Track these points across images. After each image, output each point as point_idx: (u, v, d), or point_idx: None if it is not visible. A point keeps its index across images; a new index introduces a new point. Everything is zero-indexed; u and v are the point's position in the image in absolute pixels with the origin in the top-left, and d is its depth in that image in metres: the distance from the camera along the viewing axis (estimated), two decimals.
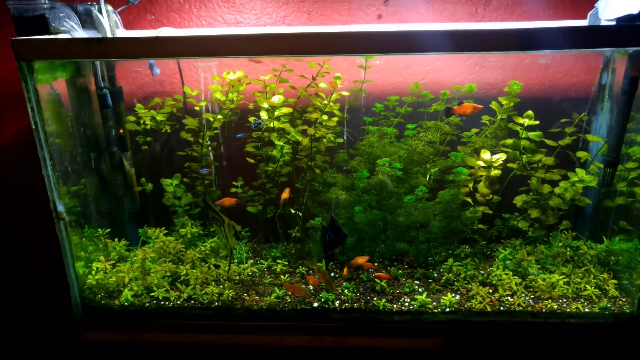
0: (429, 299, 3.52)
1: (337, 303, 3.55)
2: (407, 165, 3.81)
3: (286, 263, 3.97)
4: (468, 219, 3.72)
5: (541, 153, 3.78)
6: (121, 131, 3.94)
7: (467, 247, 4.11)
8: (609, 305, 3.43)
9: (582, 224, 4.10)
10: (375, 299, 3.59)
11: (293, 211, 4.07)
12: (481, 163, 3.91)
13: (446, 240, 3.93)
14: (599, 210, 4.02)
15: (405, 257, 4.10)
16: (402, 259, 4.09)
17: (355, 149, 3.99)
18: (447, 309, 3.47)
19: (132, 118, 3.99)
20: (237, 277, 3.80)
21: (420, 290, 3.69)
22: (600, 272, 3.66)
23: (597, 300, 3.49)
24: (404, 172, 3.77)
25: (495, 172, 3.90)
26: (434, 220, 3.71)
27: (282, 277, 3.83)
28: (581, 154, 3.86)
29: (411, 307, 3.51)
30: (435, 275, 3.84)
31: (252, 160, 4.04)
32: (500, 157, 3.87)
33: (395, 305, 3.53)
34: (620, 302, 3.48)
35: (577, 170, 3.70)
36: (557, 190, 3.75)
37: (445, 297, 3.53)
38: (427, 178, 3.81)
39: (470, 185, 4.00)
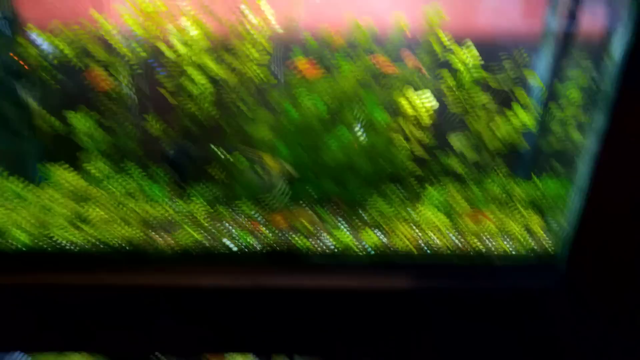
0: (352, 240, 3.35)
1: (255, 244, 3.33)
2: (337, 105, 3.54)
3: (205, 204, 3.70)
4: (398, 160, 3.52)
5: (481, 91, 3.59)
6: (25, 66, 3.47)
7: (398, 185, 3.95)
8: (535, 247, 3.37)
9: (520, 169, 4.00)
10: (297, 238, 3.39)
11: (219, 152, 3.76)
12: (412, 101, 3.68)
13: (375, 181, 3.74)
14: (537, 155, 3.91)
15: (335, 197, 3.89)
16: (332, 199, 3.89)
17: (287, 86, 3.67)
18: (371, 250, 3.32)
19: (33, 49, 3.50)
20: (153, 219, 3.51)
21: (345, 230, 3.52)
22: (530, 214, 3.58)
23: (523, 241, 3.41)
24: (332, 112, 3.50)
25: (427, 111, 3.68)
26: (362, 162, 3.49)
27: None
28: (520, 94, 3.69)
29: (334, 248, 3.33)
30: (364, 216, 3.66)
31: (171, 98, 3.66)
32: (430, 96, 3.64)
33: (317, 246, 3.35)
34: (545, 244, 3.43)
35: (514, 106, 3.54)
36: (496, 131, 3.59)
37: (369, 236, 3.37)
38: (357, 119, 3.56)
39: (404, 124, 3.79)
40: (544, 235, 3.44)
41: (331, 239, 3.38)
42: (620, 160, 2.80)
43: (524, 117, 3.47)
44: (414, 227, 3.49)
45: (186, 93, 3.56)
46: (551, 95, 3.35)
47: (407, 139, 3.74)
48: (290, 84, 3.61)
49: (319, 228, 3.50)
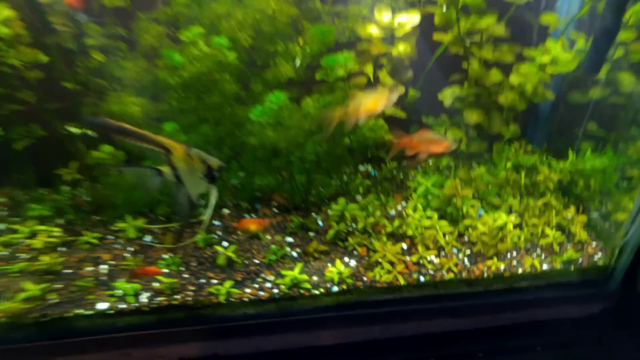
0: (303, 275, 2.08)
1: (144, 297, 2.00)
2: (257, 42, 2.13)
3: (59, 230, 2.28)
4: (366, 137, 2.21)
5: (489, 16, 2.26)
6: None
7: (369, 168, 2.67)
8: (575, 255, 2.24)
9: (533, 131, 2.79)
10: (214, 280, 2.09)
11: (73, 129, 2.29)
12: (377, 31, 2.31)
13: (335, 168, 2.43)
14: (557, 111, 2.70)
15: (276, 195, 2.57)
16: (271, 197, 2.56)
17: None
18: (335, 288, 2.08)
19: None
20: None
21: (294, 254, 2.24)
22: (563, 204, 2.41)
23: (558, 250, 2.27)
24: (248, 56, 2.10)
25: (403, 48, 2.35)
26: (310, 143, 2.16)
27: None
28: (548, 18, 2.39)
29: (275, 291, 2.06)
30: (320, 222, 2.39)
31: None
32: (410, 19, 2.29)
33: (248, 290, 2.06)
34: (590, 249, 2.31)
35: (548, 42, 2.26)
36: (512, 79, 2.31)
37: (330, 269, 2.11)
38: (294, 64, 2.17)
39: (370, 72, 2.44)
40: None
41: (278, 280, 2.11)
42: None
43: (562, 53, 2.20)
44: (399, 239, 2.26)
45: None
46: (610, 15, 2.07)
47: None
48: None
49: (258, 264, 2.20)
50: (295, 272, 2.08)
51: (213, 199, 1.87)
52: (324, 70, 2.12)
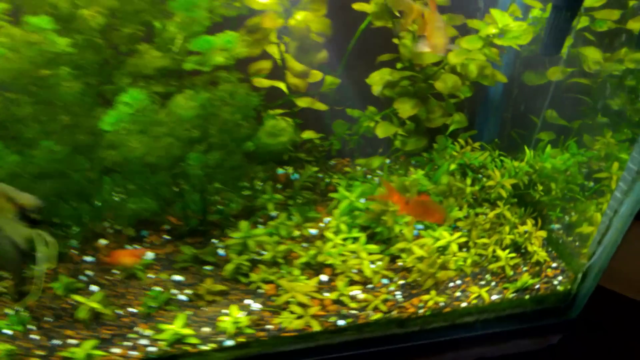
0: (186, 329, 1.61)
1: None
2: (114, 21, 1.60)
3: None
4: (266, 144, 1.72)
5: None
6: None
7: (289, 170, 2.20)
8: (531, 281, 1.82)
9: (483, 122, 2.33)
10: (73, 339, 1.61)
11: None
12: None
13: (233, 181, 1.93)
14: (510, 96, 2.25)
15: (170, 217, 2.07)
16: (164, 219, 2.07)
17: None
18: (229, 342, 1.63)
19: None
20: None
21: (182, 297, 1.77)
22: (520, 215, 1.98)
23: (512, 274, 1.86)
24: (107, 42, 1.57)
25: (305, 20, 1.83)
26: (194, 154, 1.66)
27: None
28: None
29: (152, 349, 1.60)
30: (222, 251, 1.91)
31: None
32: None
33: (117, 350, 1.59)
34: (549, 273, 1.90)
35: (493, 12, 1.79)
36: (451, 57, 1.84)
37: (224, 319, 1.64)
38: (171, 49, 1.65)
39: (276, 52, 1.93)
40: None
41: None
42: None
43: (513, 23, 1.74)
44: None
45: None
46: None
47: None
48: None
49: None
50: (175, 326, 1.61)
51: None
52: (201, 57, 1.60)
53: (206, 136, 1.67)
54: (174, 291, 1.79)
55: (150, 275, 1.85)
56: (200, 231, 2.00)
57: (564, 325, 1.85)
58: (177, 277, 1.85)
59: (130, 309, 1.72)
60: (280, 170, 2.36)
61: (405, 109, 1.87)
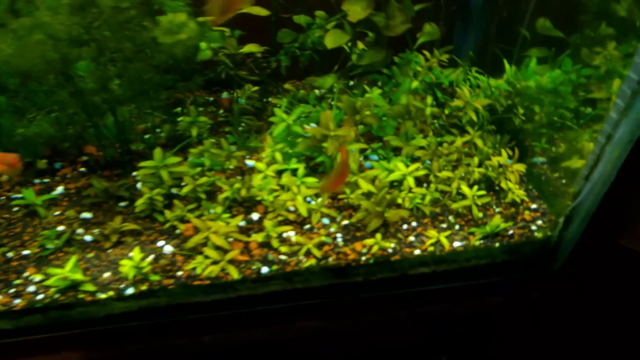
0: (77, 274, 1.37)
1: None
2: None
3: None
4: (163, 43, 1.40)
5: None
6: None
7: (236, 95, 1.88)
8: (503, 225, 1.50)
9: (462, 35, 1.92)
10: None
11: None
12: None
13: (145, 99, 1.61)
14: (493, 7, 1.84)
15: (89, 147, 1.79)
16: (79, 149, 1.79)
17: None
18: (130, 290, 1.38)
19: None
20: None
21: (88, 238, 1.51)
22: (494, 144, 1.63)
23: (481, 216, 1.54)
24: None
25: None
26: (83, 62, 1.35)
27: None
28: None
29: (40, 297, 1.37)
30: (140, 185, 1.64)
31: None
32: None
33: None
34: (527, 216, 1.57)
35: None
36: None
37: (124, 263, 1.39)
38: None
39: None
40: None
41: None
42: None
43: None
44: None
45: None
46: None
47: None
48: None
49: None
50: (65, 270, 1.36)
51: None
52: None
53: (92, 37, 1.34)
54: (80, 231, 1.53)
55: (56, 213, 1.60)
56: (121, 162, 1.72)
57: (542, 279, 1.55)
58: (87, 215, 1.59)
59: (25, 252, 1.48)
60: (224, 95, 2.04)
61: (356, 10, 1.50)
